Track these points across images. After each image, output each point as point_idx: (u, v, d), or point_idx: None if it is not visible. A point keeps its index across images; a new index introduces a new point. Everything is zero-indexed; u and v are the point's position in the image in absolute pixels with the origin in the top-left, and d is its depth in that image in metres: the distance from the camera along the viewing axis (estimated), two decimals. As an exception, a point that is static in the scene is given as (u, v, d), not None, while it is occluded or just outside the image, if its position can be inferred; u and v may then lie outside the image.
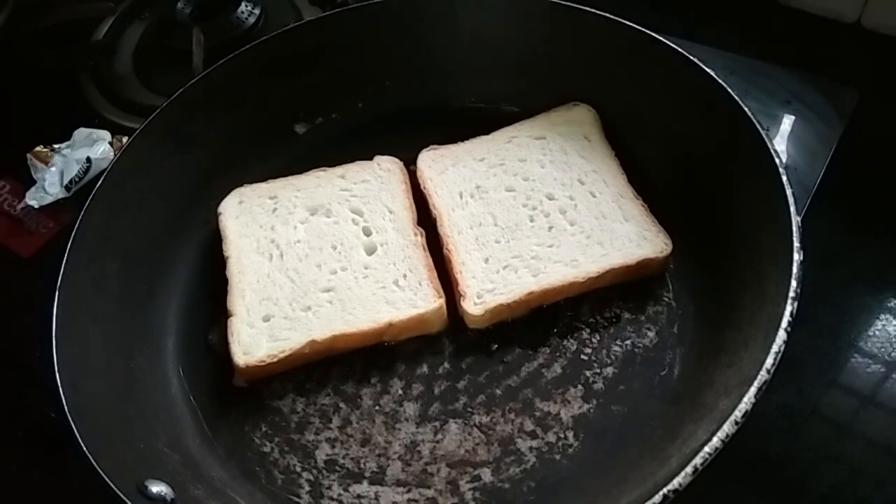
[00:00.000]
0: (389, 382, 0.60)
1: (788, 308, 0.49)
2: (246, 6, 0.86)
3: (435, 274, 0.62)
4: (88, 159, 0.75)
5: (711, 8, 0.85)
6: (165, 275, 0.66)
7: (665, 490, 0.43)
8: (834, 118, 0.73)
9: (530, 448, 0.55)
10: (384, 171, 0.69)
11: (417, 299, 0.60)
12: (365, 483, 0.55)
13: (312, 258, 0.64)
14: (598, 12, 0.67)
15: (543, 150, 0.68)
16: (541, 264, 0.61)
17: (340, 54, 0.74)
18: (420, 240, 0.64)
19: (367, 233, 0.66)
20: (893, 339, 0.62)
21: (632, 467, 0.51)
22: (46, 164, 0.76)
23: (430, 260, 0.63)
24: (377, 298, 0.61)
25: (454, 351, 0.61)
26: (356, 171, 0.69)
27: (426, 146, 0.70)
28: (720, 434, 0.45)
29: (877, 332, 0.62)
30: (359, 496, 0.54)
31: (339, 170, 0.70)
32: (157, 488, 0.49)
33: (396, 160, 0.70)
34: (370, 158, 0.70)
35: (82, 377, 0.54)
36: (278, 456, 0.57)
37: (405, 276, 0.62)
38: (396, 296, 0.61)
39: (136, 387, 0.58)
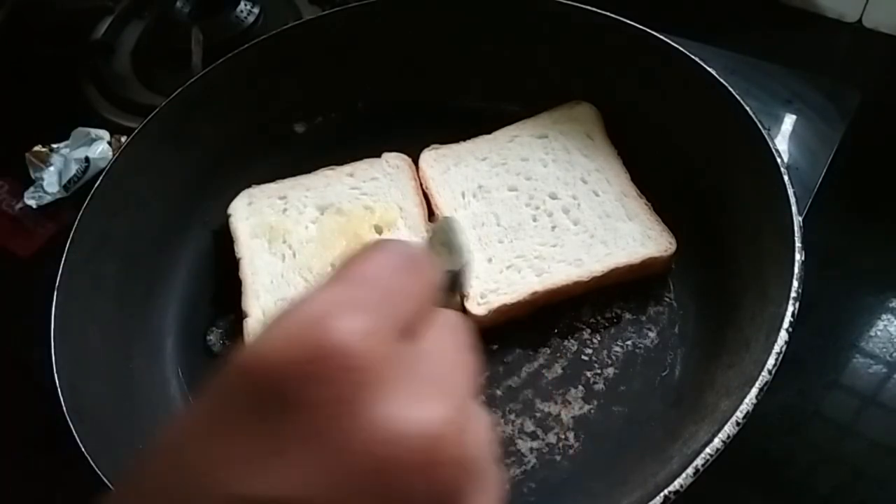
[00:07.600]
0: (390, 383, 0.59)
1: (790, 308, 0.48)
2: (245, 5, 0.86)
3: None
4: (87, 159, 0.75)
5: (712, 7, 0.84)
6: (164, 275, 0.66)
7: (666, 491, 0.43)
8: (835, 118, 0.72)
9: (531, 449, 0.55)
10: (393, 168, 0.69)
11: None
12: (365, 484, 0.55)
13: (325, 257, 0.64)
14: (599, 11, 0.67)
15: (546, 149, 0.68)
16: (544, 264, 0.61)
17: (340, 53, 0.73)
18: None
19: (379, 230, 0.65)
20: (895, 340, 0.62)
21: (633, 468, 0.51)
22: (45, 163, 0.76)
23: None
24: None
25: (454, 351, 0.60)
26: (365, 169, 0.69)
27: (427, 146, 0.69)
28: (721, 435, 0.44)
29: (878, 333, 0.62)
30: (359, 497, 0.54)
31: (347, 168, 0.69)
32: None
33: (405, 157, 0.69)
34: (371, 157, 0.70)
35: (81, 377, 0.54)
36: (278, 457, 0.57)
37: None
38: None
39: (135, 387, 0.58)
